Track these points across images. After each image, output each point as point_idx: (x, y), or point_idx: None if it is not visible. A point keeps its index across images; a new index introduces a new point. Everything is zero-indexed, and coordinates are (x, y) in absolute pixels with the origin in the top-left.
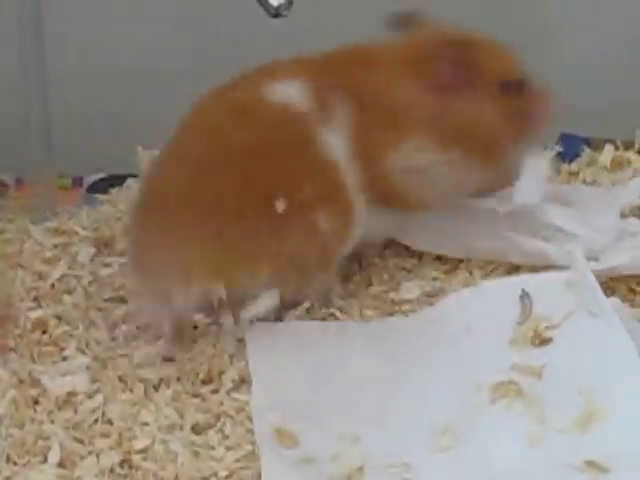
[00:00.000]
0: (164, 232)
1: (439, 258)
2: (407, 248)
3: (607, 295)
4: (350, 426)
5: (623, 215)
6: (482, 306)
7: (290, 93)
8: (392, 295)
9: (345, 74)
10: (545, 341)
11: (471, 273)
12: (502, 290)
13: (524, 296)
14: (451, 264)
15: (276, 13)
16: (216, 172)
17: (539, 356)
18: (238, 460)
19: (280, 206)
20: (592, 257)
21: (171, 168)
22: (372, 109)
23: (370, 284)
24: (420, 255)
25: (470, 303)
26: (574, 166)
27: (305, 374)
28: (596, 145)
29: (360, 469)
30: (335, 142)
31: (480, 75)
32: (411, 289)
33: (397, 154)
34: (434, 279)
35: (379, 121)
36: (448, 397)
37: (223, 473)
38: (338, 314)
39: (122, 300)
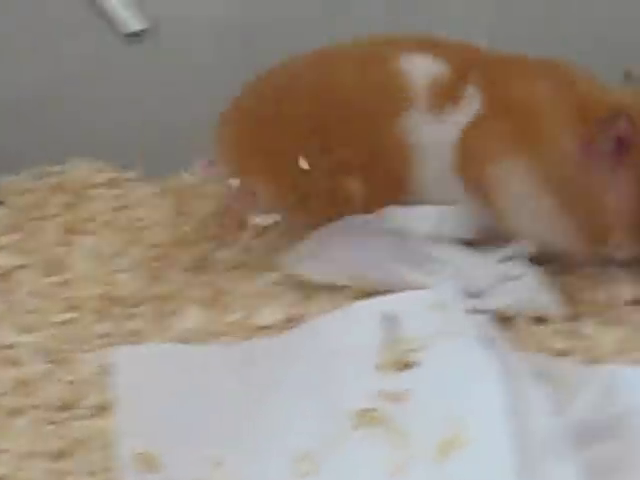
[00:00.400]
0: None
1: (298, 283)
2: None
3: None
4: (212, 450)
5: (506, 259)
6: (349, 329)
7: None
8: (251, 321)
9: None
10: (410, 365)
11: (331, 298)
12: (369, 312)
13: (389, 318)
14: (310, 288)
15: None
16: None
17: (404, 381)
18: None
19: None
20: (473, 295)
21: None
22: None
23: (230, 310)
24: (279, 280)
25: (337, 326)
26: None
27: (168, 398)
28: None
29: None
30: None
31: (631, 162)
32: (270, 314)
33: (496, 170)
34: (291, 305)
35: (501, 127)
36: (310, 422)
37: None
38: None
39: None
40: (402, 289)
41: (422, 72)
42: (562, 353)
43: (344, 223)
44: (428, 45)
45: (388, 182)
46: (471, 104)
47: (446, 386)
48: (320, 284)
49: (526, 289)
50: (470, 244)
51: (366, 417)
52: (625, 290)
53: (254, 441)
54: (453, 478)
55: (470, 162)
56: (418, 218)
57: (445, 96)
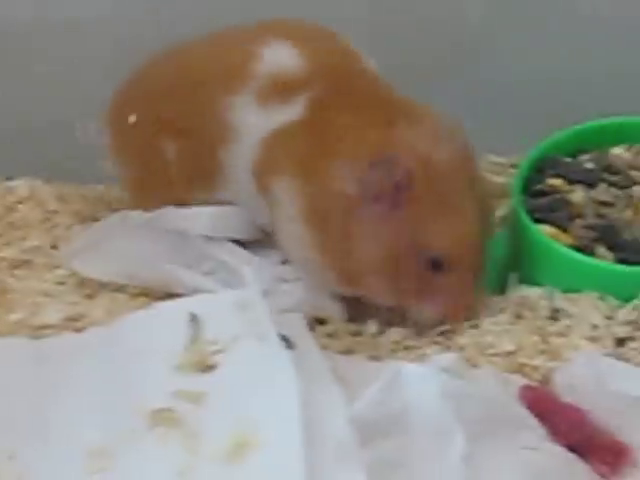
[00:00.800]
0: None
1: (82, 281)
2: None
3: None
4: (7, 443)
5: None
6: (153, 329)
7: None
8: (34, 320)
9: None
10: (210, 367)
11: (114, 298)
12: (174, 313)
13: (192, 319)
14: (95, 286)
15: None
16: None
17: (202, 383)
18: None
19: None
20: None
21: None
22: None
23: (11, 311)
24: (62, 280)
25: (142, 325)
26: None
27: None
28: None
29: None
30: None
31: (401, 209)
32: (51, 314)
33: (275, 184)
34: (75, 303)
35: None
36: (106, 419)
37: None
38: None
39: None
40: (179, 289)
41: (270, 61)
42: (347, 352)
43: (123, 219)
44: (297, 37)
45: (204, 157)
46: (296, 108)
47: (242, 389)
48: (103, 282)
49: (303, 291)
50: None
51: (161, 417)
52: None
53: (48, 436)
54: None
55: (260, 167)
56: (193, 218)
57: (278, 92)
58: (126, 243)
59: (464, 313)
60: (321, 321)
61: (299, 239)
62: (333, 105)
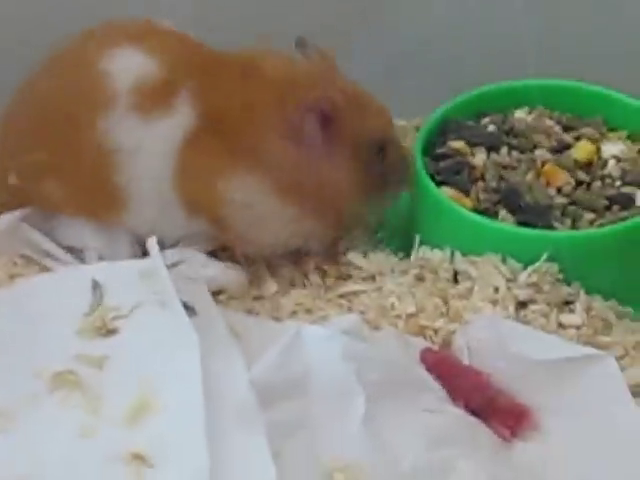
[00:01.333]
0: None
1: None
2: None
3: None
4: None
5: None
6: (54, 293)
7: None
8: None
9: (203, 73)
10: (111, 332)
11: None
12: (74, 278)
13: (95, 285)
14: None
15: None
16: None
17: (104, 347)
18: None
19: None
20: None
21: None
22: (216, 123)
23: None
24: None
25: (45, 289)
26: None
27: None
28: None
29: None
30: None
31: (341, 134)
32: None
33: (227, 185)
34: None
35: (219, 141)
36: (7, 382)
37: None
38: None
39: None
40: None
41: (126, 71)
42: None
43: None
44: (141, 38)
45: (92, 185)
46: (184, 113)
47: (143, 353)
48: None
49: (197, 267)
50: None
51: (63, 379)
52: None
53: None
54: (141, 444)
55: (190, 181)
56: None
57: (153, 100)
58: None
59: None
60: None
61: (281, 218)
62: (219, 92)
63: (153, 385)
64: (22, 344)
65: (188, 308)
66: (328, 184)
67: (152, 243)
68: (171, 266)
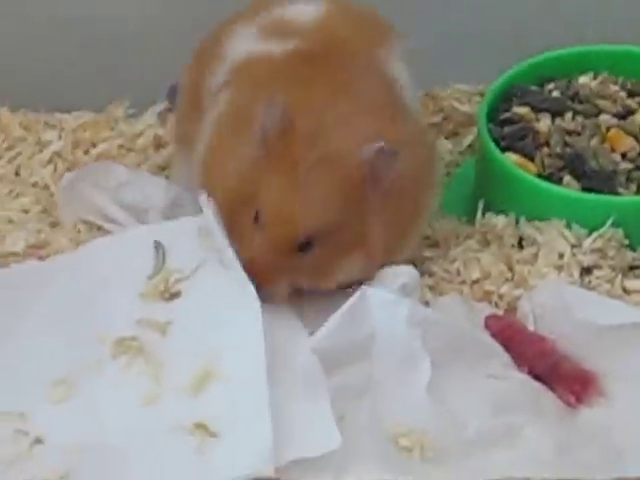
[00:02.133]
0: None
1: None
2: None
3: None
4: None
5: None
6: (116, 257)
7: None
8: None
9: None
10: (174, 295)
11: (78, 230)
12: (136, 240)
13: (158, 246)
14: (57, 216)
15: None
16: None
17: (167, 312)
18: None
19: None
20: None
21: None
22: None
23: None
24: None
25: (105, 253)
26: None
27: None
28: None
29: None
30: None
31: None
32: (16, 242)
33: None
34: (39, 231)
35: None
36: (70, 348)
37: None
38: None
39: None
40: None
41: None
42: None
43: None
44: None
45: None
46: None
47: (206, 318)
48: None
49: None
50: None
51: (125, 346)
52: None
53: (9, 365)
54: (205, 411)
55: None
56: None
57: None
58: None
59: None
60: None
61: None
62: None
63: (216, 352)
64: (85, 310)
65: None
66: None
67: (204, 199)
68: None
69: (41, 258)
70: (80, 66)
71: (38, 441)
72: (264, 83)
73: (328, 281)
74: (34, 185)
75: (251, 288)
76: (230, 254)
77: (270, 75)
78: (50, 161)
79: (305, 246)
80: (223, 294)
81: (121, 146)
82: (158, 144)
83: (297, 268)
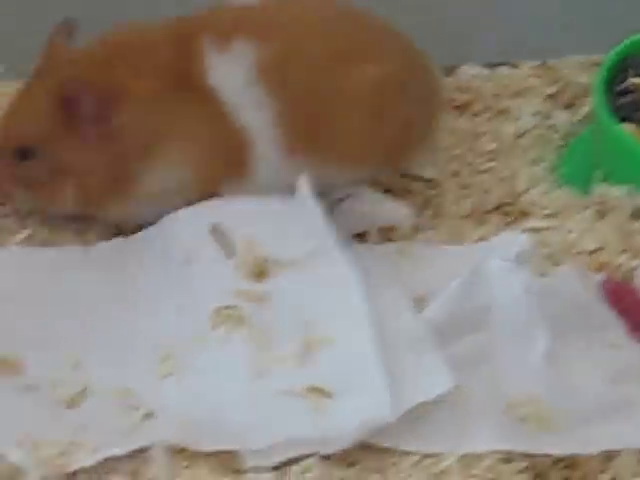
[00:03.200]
0: None
1: None
2: None
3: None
4: (72, 351)
5: None
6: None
7: None
8: None
9: None
10: (269, 269)
11: None
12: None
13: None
14: None
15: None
16: None
17: (264, 283)
18: None
19: None
20: None
21: None
22: None
23: None
24: None
25: (198, 223)
26: None
27: (28, 300)
28: None
29: (82, 393)
30: None
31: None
32: None
33: None
34: None
35: None
36: (171, 322)
37: None
38: None
39: None
40: None
41: None
42: None
43: None
44: None
45: None
46: None
47: (306, 288)
48: None
49: (366, 202)
50: None
51: (224, 315)
52: None
53: (115, 341)
54: (316, 376)
55: None
56: None
57: None
58: None
59: None
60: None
61: None
62: None
63: (319, 320)
64: (180, 282)
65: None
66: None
67: (302, 181)
68: (338, 200)
69: None
70: None
71: (149, 415)
72: None
73: (54, 200)
74: None
75: (350, 252)
76: (327, 231)
77: None
78: None
79: (23, 155)
80: (319, 265)
81: None
82: None
83: (25, 177)
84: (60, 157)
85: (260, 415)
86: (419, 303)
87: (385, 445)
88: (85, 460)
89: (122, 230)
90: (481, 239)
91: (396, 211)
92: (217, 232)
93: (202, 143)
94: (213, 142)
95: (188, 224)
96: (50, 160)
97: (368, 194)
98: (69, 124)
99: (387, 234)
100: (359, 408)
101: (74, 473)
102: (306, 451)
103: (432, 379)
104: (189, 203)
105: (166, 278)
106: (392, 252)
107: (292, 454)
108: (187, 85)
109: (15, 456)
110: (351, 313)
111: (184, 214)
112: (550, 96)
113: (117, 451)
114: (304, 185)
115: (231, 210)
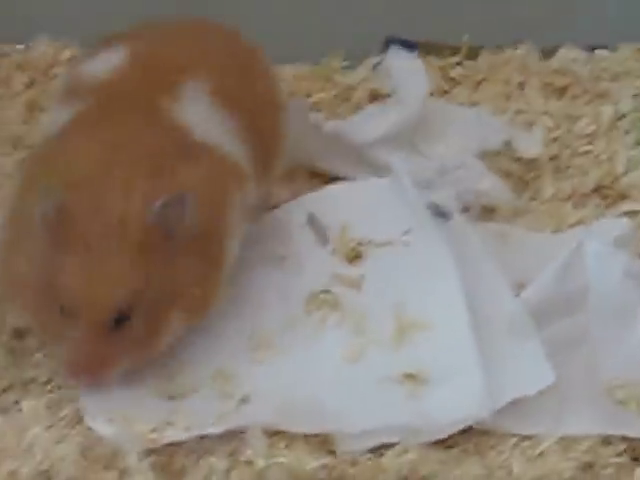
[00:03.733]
0: None
1: None
2: None
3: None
4: None
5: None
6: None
7: None
8: None
9: None
10: (363, 253)
11: None
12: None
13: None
14: None
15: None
16: None
17: (360, 266)
18: None
19: None
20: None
21: None
22: None
23: None
24: None
25: (297, 215)
26: None
27: None
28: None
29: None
30: None
31: None
32: None
33: None
34: None
35: None
36: (264, 307)
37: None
38: None
39: None
40: None
41: None
42: None
43: None
44: None
45: None
46: None
47: (401, 270)
48: None
49: (474, 177)
50: None
51: (320, 300)
52: None
53: (211, 327)
54: (412, 362)
55: None
56: None
57: None
58: None
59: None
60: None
61: None
62: None
63: (414, 305)
64: (274, 268)
65: (444, 214)
66: None
67: (396, 160)
68: (452, 169)
69: None
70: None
71: (244, 401)
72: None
73: (156, 346)
74: None
75: (445, 234)
76: (422, 214)
77: (44, 161)
78: None
79: (121, 321)
80: (414, 251)
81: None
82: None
83: (122, 346)
84: (161, 296)
85: (356, 400)
86: (517, 290)
87: (484, 427)
88: (178, 435)
89: None
90: (579, 222)
91: (500, 190)
92: (313, 221)
93: None
94: None
95: (287, 218)
96: (149, 305)
97: (478, 167)
98: (162, 257)
99: (488, 215)
100: (455, 400)
101: (172, 454)
102: (399, 439)
103: (533, 372)
104: None
105: (260, 263)
106: (492, 234)
107: (385, 440)
108: None
109: (111, 432)
110: (448, 296)
111: (282, 210)
112: None
113: (212, 430)
114: (398, 165)
115: (324, 198)
